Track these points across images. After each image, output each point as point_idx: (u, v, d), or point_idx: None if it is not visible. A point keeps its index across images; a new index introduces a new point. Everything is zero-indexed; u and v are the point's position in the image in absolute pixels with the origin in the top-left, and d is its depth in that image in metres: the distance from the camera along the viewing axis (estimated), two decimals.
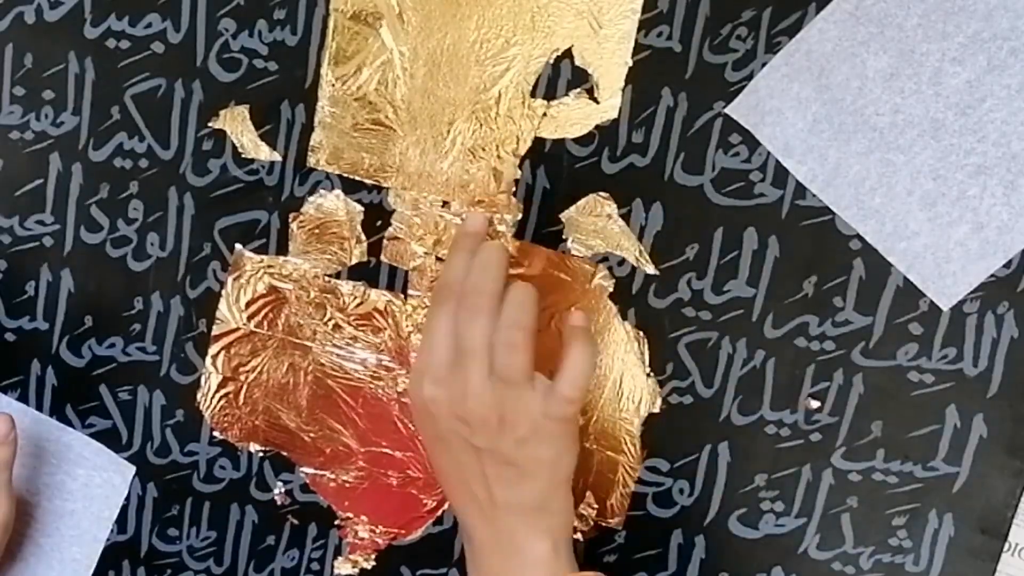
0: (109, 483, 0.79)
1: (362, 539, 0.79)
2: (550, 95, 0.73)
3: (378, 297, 0.77)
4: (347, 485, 0.79)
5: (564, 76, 0.73)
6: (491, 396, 0.65)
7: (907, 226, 0.69)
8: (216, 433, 0.79)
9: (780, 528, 0.76)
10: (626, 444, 0.76)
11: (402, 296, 0.76)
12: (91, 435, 0.79)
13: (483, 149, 0.74)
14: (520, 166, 0.75)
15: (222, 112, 0.75)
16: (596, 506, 0.77)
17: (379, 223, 0.76)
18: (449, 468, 0.69)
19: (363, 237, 0.76)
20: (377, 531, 0.79)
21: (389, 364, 0.77)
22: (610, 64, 0.73)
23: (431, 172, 0.75)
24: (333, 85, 0.74)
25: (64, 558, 0.80)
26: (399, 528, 0.79)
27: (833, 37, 0.68)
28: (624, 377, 0.76)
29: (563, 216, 0.75)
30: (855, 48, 0.68)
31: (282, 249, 0.77)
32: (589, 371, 0.67)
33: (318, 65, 0.74)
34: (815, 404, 0.75)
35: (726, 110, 0.71)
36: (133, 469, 0.79)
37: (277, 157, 0.76)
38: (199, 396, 0.78)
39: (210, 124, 0.76)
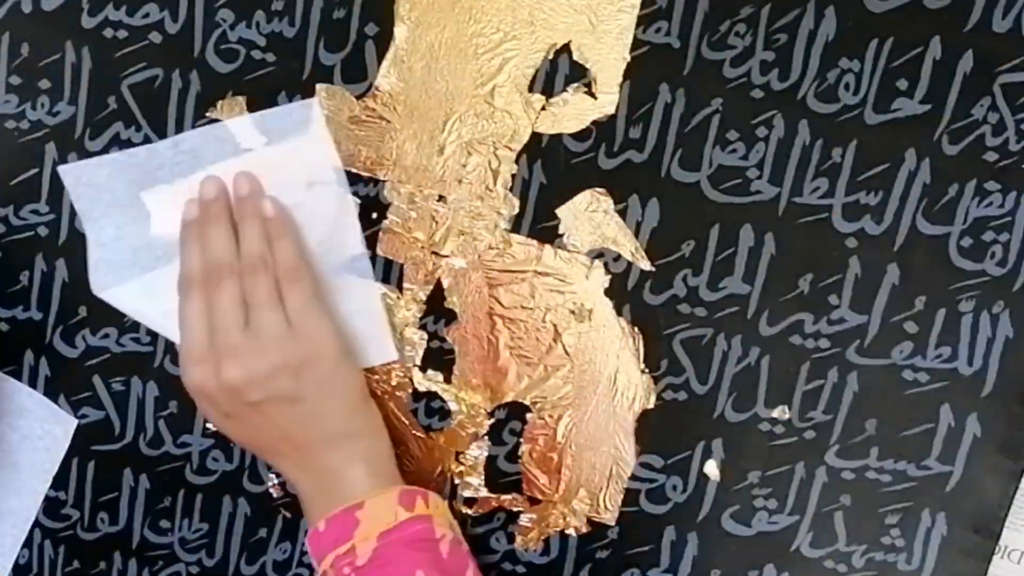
0: (51, 435, 0.79)
1: None
2: (548, 90, 0.73)
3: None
4: None
5: (562, 71, 0.73)
6: (247, 342, 0.69)
7: None
8: (209, 425, 0.79)
9: (773, 526, 0.76)
10: (620, 440, 0.76)
11: (397, 289, 0.76)
12: (84, 425, 0.79)
13: (480, 143, 0.74)
14: (517, 161, 0.74)
15: (219, 103, 0.75)
16: (589, 502, 0.77)
17: (375, 216, 0.76)
18: (249, 439, 0.73)
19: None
20: None
21: None
22: (608, 59, 0.73)
23: (428, 166, 0.75)
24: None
25: (3, 509, 0.79)
26: None
27: None
28: (619, 373, 0.76)
29: (559, 211, 0.75)
30: None
31: None
32: (296, 243, 0.72)
33: (316, 57, 0.74)
34: (784, 412, 0.75)
35: None
36: (75, 422, 0.79)
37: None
38: None
39: (207, 115, 0.75)
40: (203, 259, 0.71)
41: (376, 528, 0.69)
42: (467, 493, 0.78)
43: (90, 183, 0.73)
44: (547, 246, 0.75)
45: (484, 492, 0.78)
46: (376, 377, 0.77)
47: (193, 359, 0.70)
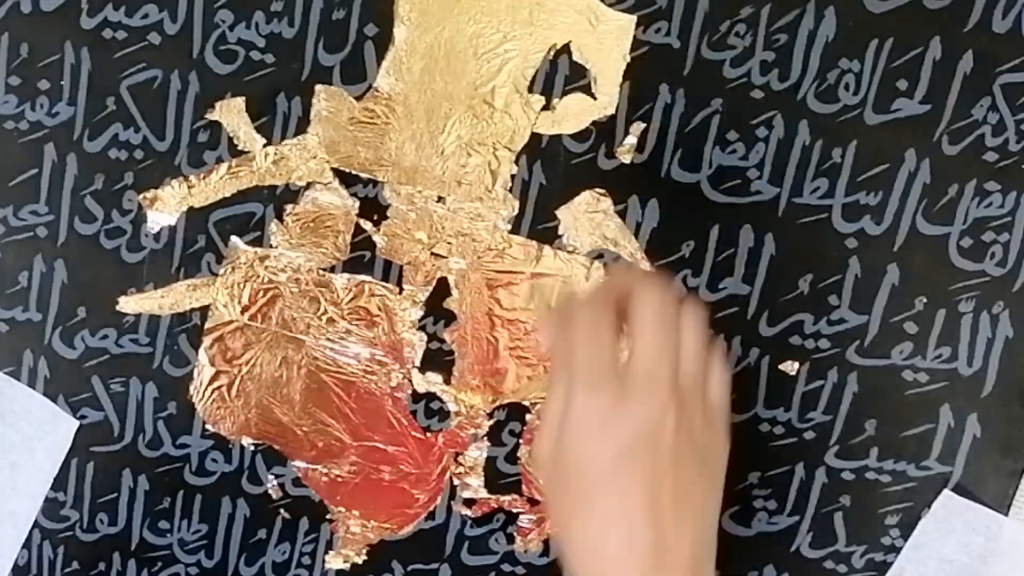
0: (51, 436, 0.78)
1: (354, 534, 0.79)
2: (548, 90, 0.73)
3: (372, 291, 0.76)
4: (339, 479, 0.79)
5: (562, 71, 0.73)
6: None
7: None
8: (208, 426, 0.79)
9: (773, 526, 0.76)
10: None
11: (397, 290, 0.76)
12: (83, 426, 0.79)
13: (479, 144, 0.74)
14: (516, 161, 0.74)
15: (218, 104, 0.75)
16: None
17: (375, 217, 0.75)
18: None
19: (367, 227, 0.76)
20: (369, 526, 0.79)
21: (382, 359, 0.77)
22: (608, 60, 0.73)
23: (427, 167, 0.75)
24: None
25: (2, 511, 0.79)
26: (391, 523, 0.79)
27: None
28: None
29: (559, 212, 0.75)
30: None
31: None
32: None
33: (315, 57, 0.74)
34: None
35: None
36: (76, 424, 0.78)
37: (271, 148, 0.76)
38: (192, 389, 0.78)
39: (206, 116, 0.75)
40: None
41: None
42: (467, 494, 0.78)
43: None
44: (547, 247, 0.75)
45: (484, 493, 0.78)
46: (374, 377, 0.77)
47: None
